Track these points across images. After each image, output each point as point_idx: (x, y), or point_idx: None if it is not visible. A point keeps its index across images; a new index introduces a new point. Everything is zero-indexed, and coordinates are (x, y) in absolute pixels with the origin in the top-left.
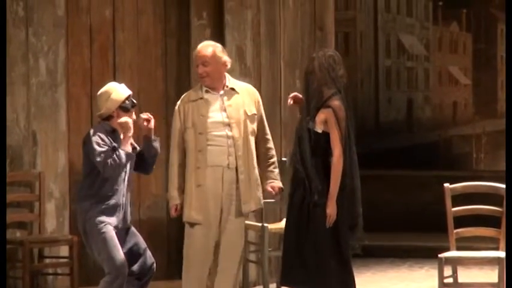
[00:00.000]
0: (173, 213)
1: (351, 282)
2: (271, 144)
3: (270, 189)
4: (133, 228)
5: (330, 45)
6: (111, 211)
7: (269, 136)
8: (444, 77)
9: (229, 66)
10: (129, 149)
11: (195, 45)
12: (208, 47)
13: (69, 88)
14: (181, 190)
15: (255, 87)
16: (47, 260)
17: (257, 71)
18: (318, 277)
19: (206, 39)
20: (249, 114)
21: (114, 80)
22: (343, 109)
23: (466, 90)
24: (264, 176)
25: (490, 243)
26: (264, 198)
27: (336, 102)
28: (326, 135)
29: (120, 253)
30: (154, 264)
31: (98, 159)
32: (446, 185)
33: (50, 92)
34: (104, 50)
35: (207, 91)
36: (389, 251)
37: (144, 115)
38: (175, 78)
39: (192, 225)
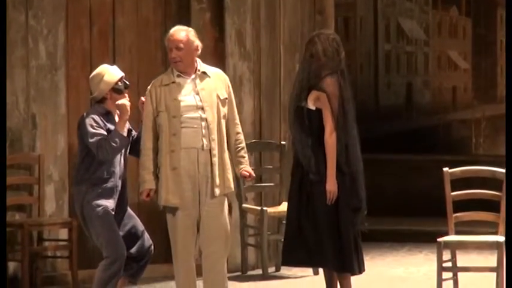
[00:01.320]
0: (145, 197)
1: (352, 261)
2: (240, 129)
3: (245, 173)
4: (130, 211)
5: (329, 30)
6: (108, 194)
7: (238, 121)
8: (443, 61)
9: (200, 51)
10: (124, 132)
11: (195, 29)
12: (181, 32)
13: (68, 71)
14: (155, 175)
15: (254, 71)
16: (46, 243)
17: (257, 55)
18: (317, 256)
19: (206, 23)
20: (221, 98)
21: (114, 63)
22: (336, 86)
23: (466, 74)
24: (235, 161)
25: (488, 227)
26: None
27: (329, 81)
28: (320, 112)
29: (118, 236)
30: (152, 247)
31: (92, 141)
32: (445, 169)
33: (50, 75)
34: (103, 33)
35: (178, 75)
36: (388, 235)
37: (143, 98)
38: None
39: (170, 209)
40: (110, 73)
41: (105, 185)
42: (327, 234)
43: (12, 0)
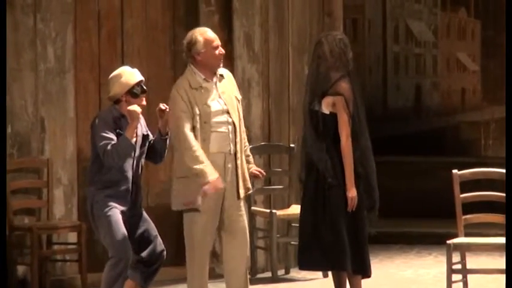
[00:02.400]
0: (220, 185)
1: (367, 264)
2: (244, 128)
3: (256, 172)
4: (145, 214)
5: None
6: (118, 196)
7: (243, 121)
8: (452, 63)
9: None
10: (131, 138)
11: None
12: None
13: (77, 74)
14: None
15: (263, 73)
16: (55, 247)
17: (265, 57)
18: (334, 258)
19: (214, 25)
20: (238, 99)
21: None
22: (350, 90)
23: (475, 76)
24: (245, 160)
25: (498, 229)
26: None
27: (344, 85)
28: (334, 117)
29: (124, 237)
30: (164, 252)
31: (100, 145)
32: (454, 171)
33: (58, 79)
34: (112, 36)
35: (204, 79)
36: (398, 237)
37: (162, 106)
38: (183, 64)
39: (191, 213)
40: (129, 75)
41: (116, 188)
42: (344, 237)
43: (20, 4)
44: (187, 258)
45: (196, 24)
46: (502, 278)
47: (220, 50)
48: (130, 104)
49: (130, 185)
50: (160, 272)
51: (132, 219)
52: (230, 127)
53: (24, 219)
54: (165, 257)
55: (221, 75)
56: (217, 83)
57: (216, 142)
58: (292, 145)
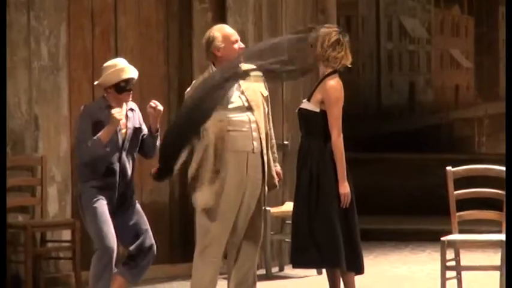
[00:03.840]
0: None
1: (360, 261)
2: (271, 125)
3: (277, 174)
4: (138, 207)
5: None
6: (105, 188)
7: (270, 116)
8: (446, 60)
9: None
10: (106, 139)
11: (197, 29)
12: None
13: (70, 72)
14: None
15: None
16: (49, 244)
17: None
18: (328, 255)
19: (208, 23)
20: (264, 95)
21: None
22: (338, 88)
23: (468, 73)
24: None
25: (492, 226)
26: None
27: (332, 82)
28: (325, 114)
29: (108, 229)
30: (154, 247)
31: (76, 137)
32: (448, 168)
33: (52, 76)
34: (105, 34)
35: None
36: (392, 234)
37: (153, 103)
38: (177, 62)
39: (207, 210)
40: (120, 69)
41: (102, 179)
42: (339, 234)
43: (14, 1)
44: (198, 252)
45: (189, 21)
46: (496, 274)
47: (240, 45)
48: (113, 97)
49: (117, 177)
50: (154, 270)
51: (121, 211)
52: (253, 125)
53: (18, 217)
54: (154, 252)
55: (245, 71)
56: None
57: (236, 140)
58: (285, 142)
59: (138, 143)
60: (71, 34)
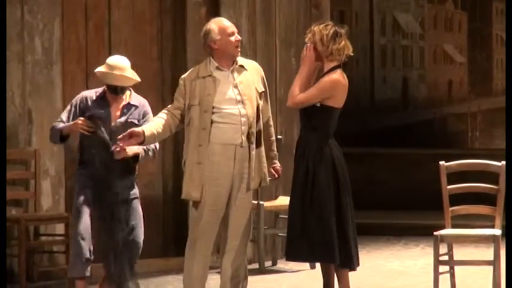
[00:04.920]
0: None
1: (352, 257)
2: (271, 122)
3: (273, 171)
4: (135, 203)
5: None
6: (90, 176)
7: (270, 113)
8: (439, 55)
9: None
10: (64, 133)
11: (191, 23)
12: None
13: (64, 66)
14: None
15: None
16: (43, 238)
17: (252, 49)
18: (322, 250)
19: (201, 17)
20: (259, 91)
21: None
22: (335, 82)
23: (461, 68)
24: (267, 156)
25: (485, 220)
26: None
27: (334, 76)
28: (325, 109)
29: (82, 214)
30: (140, 245)
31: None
32: (441, 162)
33: (46, 70)
34: (99, 28)
35: (217, 68)
36: (385, 228)
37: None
38: (170, 56)
39: (195, 203)
40: (113, 75)
41: (89, 168)
42: (333, 229)
43: None
44: (188, 246)
45: (183, 16)
46: (489, 269)
47: (236, 37)
48: (108, 93)
49: (104, 166)
50: (147, 264)
51: (109, 202)
52: (243, 119)
53: (12, 210)
54: (139, 248)
55: (241, 66)
56: (235, 73)
57: (226, 132)
58: (279, 136)
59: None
60: (65, 28)
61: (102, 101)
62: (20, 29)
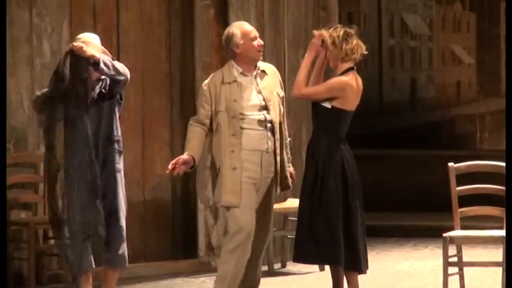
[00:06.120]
0: (182, 165)
1: (360, 260)
2: (286, 125)
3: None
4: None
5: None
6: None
7: (285, 116)
8: (447, 56)
9: None
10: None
11: (199, 26)
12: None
13: None
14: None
15: None
16: (52, 241)
17: None
18: (328, 253)
19: (210, 19)
20: (280, 96)
21: (118, 60)
22: (347, 85)
23: (470, 69)
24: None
25: (494, 222)
26: None
27: (342, 77)
28: (336, 111)
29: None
30: (119, 234)
31: None
32: (450, 164)
33: None
34: (107, 30)
35: (241, 73)
36: (394, 230)
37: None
38: (179, 58)
39: (229, 209)
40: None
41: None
42: (340, 231)
43: None
44: (229, 247)
45: (191, 18)
46: (498, 270)
47: (259, 42)
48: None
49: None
50: (157, 266)
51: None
52: (269, 125)
53: (21, 213)
54: (119, 240)
55: (263, 71)
56: (258, 78)
57: (252, 139)
58: (288, 139)
59: (107, 106)
60: (73, 31)
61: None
62: (28, 32)
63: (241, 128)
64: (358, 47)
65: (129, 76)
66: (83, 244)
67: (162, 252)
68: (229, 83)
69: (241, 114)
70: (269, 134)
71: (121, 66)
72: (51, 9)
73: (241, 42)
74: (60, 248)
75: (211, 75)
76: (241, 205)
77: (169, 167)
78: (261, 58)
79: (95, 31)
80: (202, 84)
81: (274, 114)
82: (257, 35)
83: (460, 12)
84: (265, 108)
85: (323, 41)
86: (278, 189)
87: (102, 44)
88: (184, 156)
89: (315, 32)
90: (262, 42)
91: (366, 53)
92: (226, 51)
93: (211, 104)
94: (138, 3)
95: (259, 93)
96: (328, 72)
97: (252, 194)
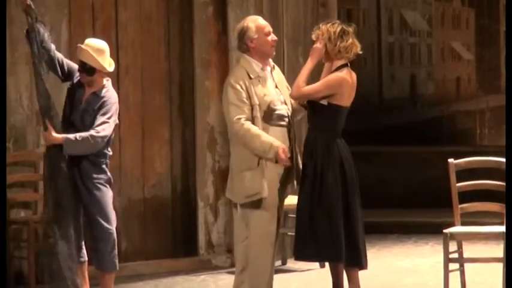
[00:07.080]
0: (283, 156)
1: (361, 256)
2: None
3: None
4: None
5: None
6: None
7: None
8: (447, 52)
9: None
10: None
11: (198, 23)
12: None
13: None
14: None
15: None
16: (52, 240)
17: None
18: (329, 250)
19: (209, 16)
20: (290, 90)
21: (117, 58)
22: (344, 80)
23: (469, 65)
24: None
25: (494, 218)
26: None
27: (338, 73)
28: (332, 107)
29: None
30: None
31: None
32: (450, 160)
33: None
34: (106, 28)
35: (262, 68)
36: (395, 227)
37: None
38: (178, 56)
39: (258, 205)
40: (83, 48)
41: None
42: (340, 228)
43: None
44: (258, 242)
45: (190, 15)
46: (499, 266)
47: (273, 37)
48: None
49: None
50: (157, 264)
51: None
52: (289, 120)
53: (21, 212)
54: (109, 237)
55: (274, 66)
56: (272, 73)
57: (276, 135)
58: None
59: (91, 122)
60: (72, 29)
61: (83, 88)
62: None
63: (270, 125)
64: (353, 46)
65: (100, 145)
66: (71, 241)
67: (162, 250)
68: (256, 78)
69: (271, 109)
70: (288, 129)
71: (86, 143)
72: (50, 8)
73: (256, 36)
74: (53, 245)
75: (231, 72)
76: (269, 198)
77: (288, 157)
78: (274, 53)
79: (93, 29)
80: (231, 82)
81: (291, 109)
82: (271, 30)
83: (459, 9)
84: (284, 103)
85: (325, 46)
86: (295, 183)
87: None
88: (281, 145)
89: (314, 37)
90: (276, 38)
91: (360, 52)
92: (240, 45)
93: (248, 98)
94: (136, 1)
95: (276, 88)
96: (318, 67)
97: (276, 188)
